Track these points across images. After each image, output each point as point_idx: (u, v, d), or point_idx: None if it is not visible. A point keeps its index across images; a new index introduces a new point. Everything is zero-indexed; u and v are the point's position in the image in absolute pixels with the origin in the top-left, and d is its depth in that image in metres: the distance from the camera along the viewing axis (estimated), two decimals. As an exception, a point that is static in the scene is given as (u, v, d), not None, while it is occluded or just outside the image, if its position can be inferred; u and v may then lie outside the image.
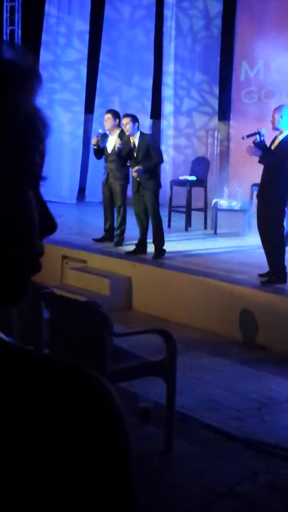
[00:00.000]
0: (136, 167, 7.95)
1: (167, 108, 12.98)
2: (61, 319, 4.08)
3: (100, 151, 8.69)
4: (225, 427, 4.48)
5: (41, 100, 0.73)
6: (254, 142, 7.04)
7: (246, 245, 8.54)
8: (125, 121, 8.07)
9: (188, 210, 10.16)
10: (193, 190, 10.31)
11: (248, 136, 7.14)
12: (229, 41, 12.70)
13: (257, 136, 7.05)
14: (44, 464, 0.67)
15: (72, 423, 0.68)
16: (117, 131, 8.50)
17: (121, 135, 8.41)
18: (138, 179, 7.98)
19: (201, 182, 10.37)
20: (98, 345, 3.76)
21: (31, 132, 0.72)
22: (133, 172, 8.04)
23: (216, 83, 12.86)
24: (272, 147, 6.93)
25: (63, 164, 13.02)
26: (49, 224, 0.77)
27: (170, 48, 12.95)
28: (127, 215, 8.60)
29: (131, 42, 13.10)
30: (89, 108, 13.02)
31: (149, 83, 13.07)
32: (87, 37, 13.08)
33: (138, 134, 8.05)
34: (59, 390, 0.69)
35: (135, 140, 8.04)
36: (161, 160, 8.20)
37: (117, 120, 8.55)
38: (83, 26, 13.11)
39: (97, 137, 8.65)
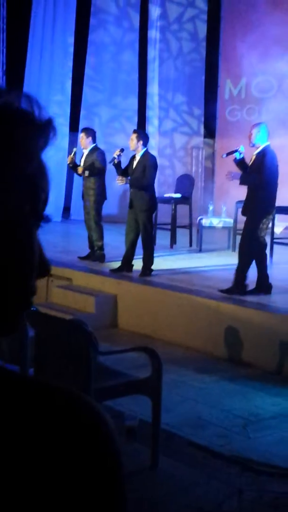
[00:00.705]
0: (120, 178, 7.99)
1: (151, 127, 13.07)
2: (46, 338, 4.07)
3: (76, 168, 8.82)
4: (211, 444, 4.48)
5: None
6: (234, 160, 7.13)
7: (231, 263, 8.56)
8: (132, 136, 8.11)
9: (173, 228, 10.20)
10: (178, 207, 10.36)
11: (228, 154, 7.23)
12: (214, 60, 12.84)
13: (236, 154, 7.14)
14: (37, 488, 0.68)
15: (63, 446, 0.69)
16: (89, 147, 8.72)
17: (93, 151, 8.63)
18: (131, 197, 8.00)
19: (186, 199, 10.43)
20: (83, 363, 3.76)
21: (40, 176, 0.78)
22: (118, 180, 8.06)
23: (201, 102, 12.98)
24: (250, 164, 7.04)
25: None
26: (44, 266, 0.79)
27: (154, 68, 13.05)
28: (116, 233, 8.64)
29: (116, 62, 13.19)
30: (74, 125, 13.07)
31: (133, 103, 13.16)
32: (71, 50, 13.15)
33: (142, 151, 8.07)
34: (48, 414, 0.70)
35: (137, 156, 8.07)
36: (147, 182, 8.01)
37: (90, 138, 8.76)
38: (68, 40, 13.19)
39: (71, 155, 8.79)
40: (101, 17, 13.29)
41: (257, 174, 6.85)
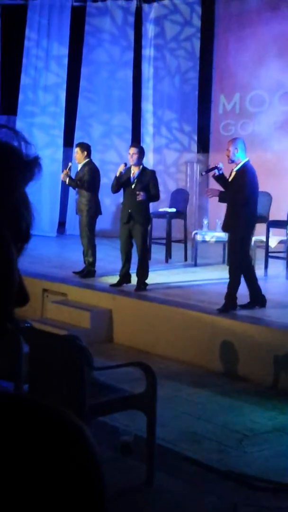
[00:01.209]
0: (141, 193, 7.95)
1: (145, 144, 13.11)
2: (40, 354, 4.07)
3: (72, 183, 8.86)
4: (207, 459, 4.46)
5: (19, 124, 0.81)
6: (213, 176, 7.15)
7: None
8: (132, 151, 8.10)
9: (168, 242, 10.21)
10: (173, 222, 10.38)
11: (207, 171, 7.26)
12: (208, 76, 12.92)
13: (216, 171, 7.17)
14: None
15: (44, 462, 0.70)
16: (83, 162, 8.75)
17: (85, 166, 8.67)
18: (129, 210, 7.98)
19: (181, 214, 10.44)
20: (77, 379, 3.75)
21: (23, 207, 0.80)
22: (138, 196, 7.95)
23: (194, 117, 13.02)
24: (230, 180, 7.05)
25: (42, 197, 13.07)
26: (23, 295, 0.80)
27: (148, 86, 13.12)
28: (111, 248, 8.65)
29: (111, 79, 13.25)
30: (68, 140, 13.10)
31: (126, 119, 13.21)
32: (66, 61, 13.22)
33: (140, 166, 8.08)
34: (35, 433, 0.71)
35: (136, 171, 8.08)
36: (158, 198, 8.15)
37: (85, 153, 8.76)
38: (62, 50, 13.26)
39: (67, 169, 8.81)
40: (96, 35, 13.38)
41: (238, 191, 6.89)
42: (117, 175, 8.13)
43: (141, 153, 8.13)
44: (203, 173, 7.36)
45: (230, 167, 7.18)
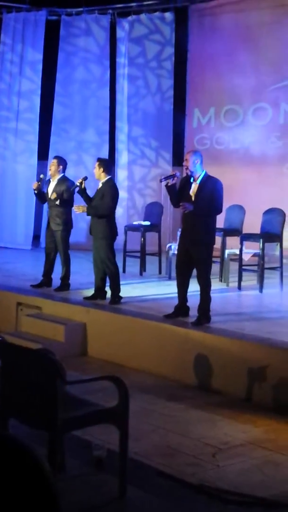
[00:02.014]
0: (80, 207, 8.02)
1: (122, 158, 13.15)
2: (12, 368, 4.05)
3: (41, 196, 8.82)
4: (180, 473, 4.45)
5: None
6: (166, 185, 7.12)
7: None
8: (95, 164, 8.11)
9: (142, 255, 10.22)
10: (147, 235, 10.40)
11: (166, 178, 7.24)
12: (182, 89, 12.99)
13: (171, 179, 7.13)
14: None
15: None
16: (58, 177, 8.71)
17: (61, 181, 8.64)
18: (91, 224, 8.01)
19: (155, 227, 10.46)
20: (49, 393, 3.74)
21: None
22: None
23: (170, 131, 13.07)
24: (191, 193, 7.05)
25: (17, 211, 13.04)
26: None
27: (123, 99, 13.15)
28: (86, 260, 8.62)
29: (85, 99, 13.28)
30: (42, 154, 13.08)
31: (104, 135, 13.23)
32: (40, 67, 13.21)
33: (105, 179, 8.06)
34: None
35: (100, 184, 8.06)
36: (106, 212, 7.92)
37: (61, 167, 8.72)
38: (36, 56, 13.25)
39: (38, 182, 8.77)
40: (70, 52, 13.41)
41: (209, 202, 6.91)
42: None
43: (102, 166, 8.08)
44: (161, 181, 7.36)
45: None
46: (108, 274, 8.05)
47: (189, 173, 7.08)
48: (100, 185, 8.03)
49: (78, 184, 8.15)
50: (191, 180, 7.08)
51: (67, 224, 8.69)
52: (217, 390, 6.37)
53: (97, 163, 8.12)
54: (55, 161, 8.84)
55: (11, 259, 11.53)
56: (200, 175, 7.06)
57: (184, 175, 7.32)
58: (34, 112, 13.23)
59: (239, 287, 9.09)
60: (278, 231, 9.11)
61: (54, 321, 7.90)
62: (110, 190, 7.94)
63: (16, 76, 13.29)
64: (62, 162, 8.82)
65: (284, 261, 9.42)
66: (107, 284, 8.16)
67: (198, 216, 6.94)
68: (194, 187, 7.04)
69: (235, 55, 12.20)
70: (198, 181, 7.04)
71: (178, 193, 7.12)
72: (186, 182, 7.12)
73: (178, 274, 7.28)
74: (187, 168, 7.08)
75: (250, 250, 9.24)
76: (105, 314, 7.74)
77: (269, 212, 9.37)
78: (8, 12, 13.28)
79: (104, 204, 7.90)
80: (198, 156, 7.11)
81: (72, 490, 4.09)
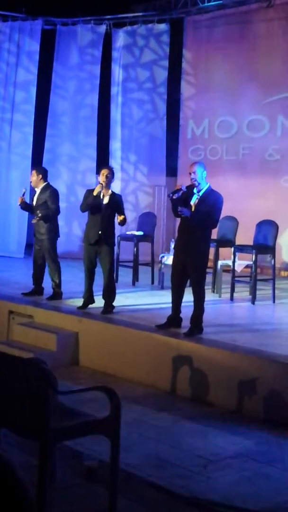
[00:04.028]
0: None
1: (115, 164, 13.16)
2: (4, 377, 4.03)
3: (27, 208, 8.87)
4: (171, 485, 4.43)
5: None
6: (172, 198, 7.10)
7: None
8: (106, 172, 8.08)
9: (135, 265, 10.22)
10: (140, 245, 10.40)
11: (173, 193, 7.17)
12: (176, 100, 13.03)
13: (177, 194, 7.12)
14: None
15: None
16: (41, 186, 8.72)
17: (45, 189, 8.68)
18: (100, 232, 7.97)
19: (148, 237, 10.47)
20: (41, 403, 3.72)
21: None
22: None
23: (163, 140, 13.10)
24: (192, 203, 7.07)
25: (11, 218, 13.02)
26: None
27: (117, 108, 13.19)
28: (77, 269, 8.61)
29: (77, 108, 13.30)
30: (37, 160, 13.09)
31: (94, 140, 13.26)
32: (37, 58, 13.21)
33: (109, 191, 8.08)
34: None
35: (107, 195, 8.05)
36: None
37: (40, 176, 8.75)
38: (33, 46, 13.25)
39: (22, 196, 8.76)
40: (64, 70, 13.45)
41: (207, 215, 6.92)
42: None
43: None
44: (170, 196, 7.31)
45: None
46: (107, 282, 7.98)
47: (196, 185, 7.08)
48: (108, 196, 8.00)
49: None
50: (195, 191, 7.10)
51: (52, 231, 8.67)
52: (208, 401, 6.36)
53: (109, 171, 8.10)
54: (34, 172, 8.86)
55: (3, 267, 11.50)
56: (204, 188, 7.06)
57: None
58: (31, 103, 13.19)
59: (232, 299, 9.09)
60: (271, 242, 9.13)
61: (46, 330, 7.88)
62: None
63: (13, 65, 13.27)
64: (40, 171, 8.84)
65: (276, 273, 9.43)
66: (96, 294, 8.14)
67: (194, 227, 6.95)
68: (195, 198, 7.06)
69: (230, 67, 12.25)
70: (201, 193, 7.06)
71: (181, 202, 7.12)
72: (190, 191, 7.13)
73: (173, 285, 7.29)
74: (195, 180, 7.07)
75: (243, 262, 9.25)
76: (97, 323, 7.73)
77: (263, 223, 9.39)
78: (4, 21, 13.31)
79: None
80: (202, 168, 7.10)
81: (62, 500, 4.06)
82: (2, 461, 0.78)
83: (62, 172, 13.10)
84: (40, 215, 8.53)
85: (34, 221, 8.64)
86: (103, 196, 7.99)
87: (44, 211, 8.53)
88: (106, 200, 7.98)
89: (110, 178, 8.03)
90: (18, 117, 13.22)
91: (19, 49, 13.23)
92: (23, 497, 0.77)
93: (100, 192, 7.97)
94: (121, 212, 7.97)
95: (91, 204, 7.97)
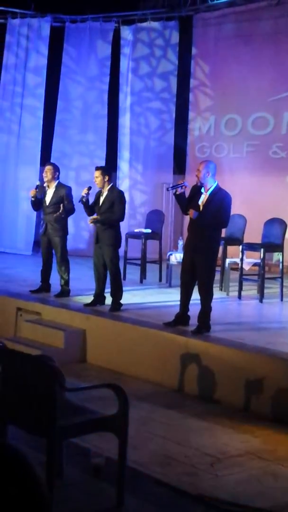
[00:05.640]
0: (93, 217, 8.02)
1: (123, 165, 13.16)
2: (12, 374, 4.03)
3: (37, 203, 8.78)
4: (178, 483, 4.43)
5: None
6: (175, 193, 7.13)
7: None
8: (96, 174, 8.09)
9: (143, 263, 10.22)
10: (148, 242, 10.39)
11: (173, 187, 7.23)
12: (184, 97, 13.00)
13: (179, 188, 7.11)
14: None
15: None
16: (55, 183, 8.68)
17: (58, 187, 8.64)
18: (97, 231, 8.00)
19: (156, 234, 10.46)
20: (48, 400, 3.72)
21: None
22: (89, 221, 8.12)
23: (171, 138, 13.08)
24: (200, 203, 7.05)
25: (19, 216, 13.03)
26: None
27: (125, 102, 13.18)
28: (86, 267, 8.61)
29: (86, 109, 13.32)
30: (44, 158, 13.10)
31: (104, 139, 13.26)
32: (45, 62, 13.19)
33: (108, 187, 8.07)
34: None
35: (104, 192, 8.07)
36: (121, 218, 8.07)
37: (57, 173, 8.71)
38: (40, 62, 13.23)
39: (35, 189, 8.73)
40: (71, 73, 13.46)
41: (216, 215, 6.91)
42: (84, 201, 8.11)
43: (105, 174, 8.06)
44: (169, 188, 7.33)
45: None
46: (111, 280, 8.03)
47: (201, 184, 7.07)
48: (106, 192, 8.02)
49: (83, 194, 8.10)
50: (202, 190, 7.08)
51: (65, 230, 8.71)
52: (216, 399, 6.35)
53: (99, 172, 8.09)
54: (50, 167, 8.76)
55: (11, 264, 11.52)
56: (211, 187, 7.05)
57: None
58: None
59: (239, 297, 9.08)
60: (279, 241, 9.11)
61: (53, 327, 7.89)
62: (120, 200, 8.01)
63: (19, 83, 13.32)
64: (57, 168, 8.80)
65: (285, 271, 9.41)
66: (107, 290, 8.16)
67: (203, 226, 6.94)
68: (203, 198, 7.04)
69: (239, 64, 12.22)
70: (208, 192, 7.03)
71: (187, 200, 7.11)
72: (197, 190, 7.11)
73: (182, 283, 7.29)
74: (198, 179, 7.07)
75: (251, 260, 9.23)
76: (105, 321, 7.73)
77: (271, 221, 9.37)
78: (13, 18, 13.32)
79: (116, 211, 7.95)
80: (210, 168, 7.07)
81: (70, 497, 4.07)
82: (20, 457, 0.78)
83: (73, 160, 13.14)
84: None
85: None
86: (102, 194, 8.04)
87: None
88: (101, 199, 8.01)
89: (100, 178, 8.00)
90: (30, 102, 13.22)
91: (27, 52, 13.23)
92: (41, 494, 0.78)
93: (100, 191, 8.02)
94: (116, 210, 7.93)
95: (87, 208, 8.08)
